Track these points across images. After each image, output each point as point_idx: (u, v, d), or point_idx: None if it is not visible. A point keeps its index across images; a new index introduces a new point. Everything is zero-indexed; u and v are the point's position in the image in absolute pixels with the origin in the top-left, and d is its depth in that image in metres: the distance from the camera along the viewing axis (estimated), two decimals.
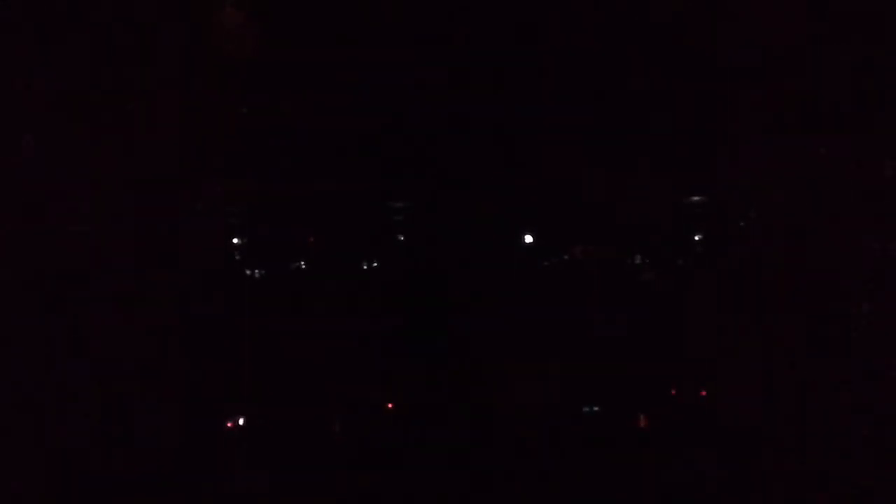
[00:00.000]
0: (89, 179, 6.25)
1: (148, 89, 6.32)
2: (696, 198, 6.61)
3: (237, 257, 6.61)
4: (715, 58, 6.33)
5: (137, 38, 6.31)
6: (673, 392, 6.41)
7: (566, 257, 6.65)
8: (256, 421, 6.30)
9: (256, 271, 6.60)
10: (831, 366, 6.04)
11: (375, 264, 6.65)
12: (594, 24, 6.42)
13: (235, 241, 6.61)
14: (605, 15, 6.40)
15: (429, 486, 6.12)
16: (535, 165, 6.59)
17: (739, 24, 6.20)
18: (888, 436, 5.78)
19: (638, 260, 6.62)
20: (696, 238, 6.61)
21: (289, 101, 6.53)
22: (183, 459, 6.09)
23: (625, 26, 6.41)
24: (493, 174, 6.61)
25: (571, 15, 6.42)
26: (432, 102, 6.46)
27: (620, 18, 6.41)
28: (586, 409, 6.42)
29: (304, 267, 6.64)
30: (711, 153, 6.44)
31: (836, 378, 6.01)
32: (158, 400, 6.14)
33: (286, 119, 6.53)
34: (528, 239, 6.65)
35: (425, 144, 6.52)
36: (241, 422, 6.29)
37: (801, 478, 5.91)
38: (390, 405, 6.44)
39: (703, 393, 6.37)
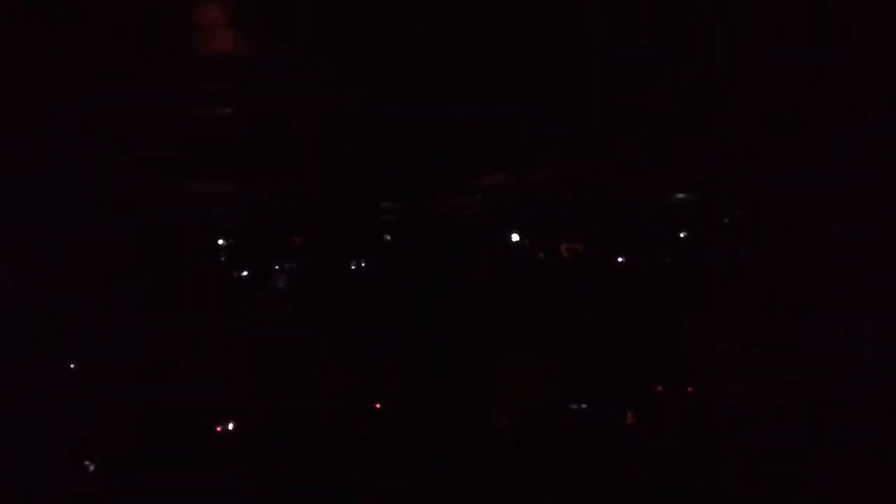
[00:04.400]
0: (75, 178, 6.21)
1: (135, 88, 6.29)
2: (681, 195, 6.63)
3: (223, 258, 6.58)
4: (705, 56, 6.35)
5: (125, 35, 6.27)
6: (660, 389, 6.45)
7: (552, 256, 6.66)
8: (245, 423, 6.29)
9: (242, 273, 6.57)
10: (819, 366, 6.09)
11: (364, 265, 6.64)
12: (580, 21, 6.42)
13: (221, 242, 6.58)
14: (592, 12, 6.40)
15: (416, 486, 6.12)
16: (522, 164, 6.61)
17: (731, 23, 6.23)
18: (877, 435, 5.83)
19: (623, 258, 6.64)
20: (682, 235, 6.63)
21: (277, 100, 6.51)
22: (175, 459, 6.08)
23: (612, 24, 6.41)
24: (480, 173, 6.62)
25: (557, 12, 6.42)
26: (421, 102, 6.46)
27: (606, 15, 6.41)
28: (574, 406, 6.45)
29: (290, 268, 6.62)
30: (697, 151, 6.46)
31: (825, 378, 6.06)
32: (147, 403, 6.14)
33: (274, 118, 6.50)
34: (515, 238, 6.66)
35: (413, 144, 6.51)
36: (230, 426, 6.28)
37: (788, 477, 5.96)
38: (378, 405, 6.44)
39: (690, 390, 6.41)
